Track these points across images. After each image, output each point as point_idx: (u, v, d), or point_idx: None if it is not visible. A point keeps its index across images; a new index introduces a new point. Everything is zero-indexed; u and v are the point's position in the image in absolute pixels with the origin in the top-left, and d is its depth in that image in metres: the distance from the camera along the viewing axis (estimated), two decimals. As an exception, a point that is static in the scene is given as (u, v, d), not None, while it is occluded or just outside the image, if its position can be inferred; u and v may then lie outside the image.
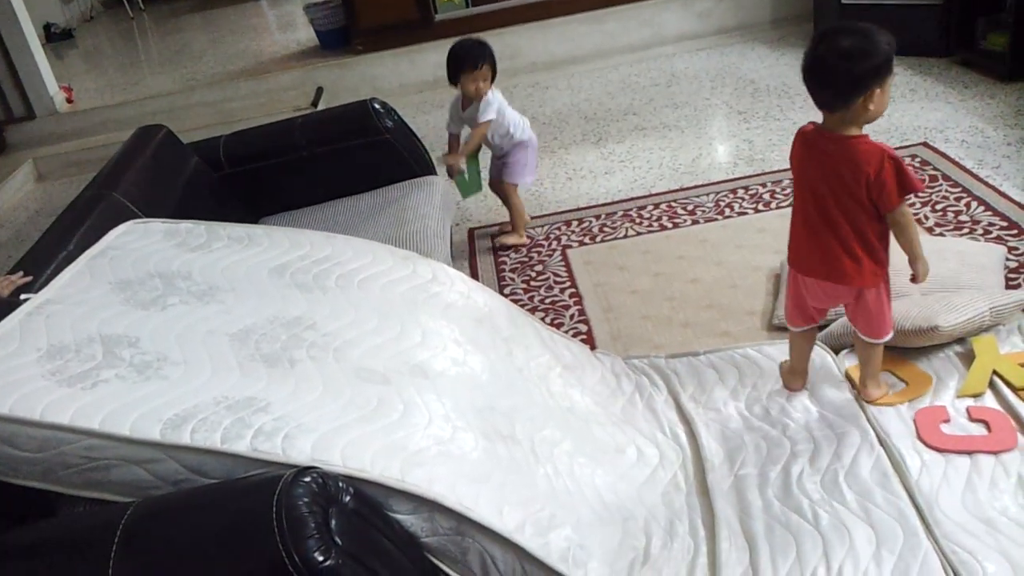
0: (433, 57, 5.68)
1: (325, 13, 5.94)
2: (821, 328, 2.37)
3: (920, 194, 3.26)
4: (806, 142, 2.01)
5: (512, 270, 3.31)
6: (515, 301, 3.03)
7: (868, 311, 2.08)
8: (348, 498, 1.41)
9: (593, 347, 2.73)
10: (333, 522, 1.32)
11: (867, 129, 1.94)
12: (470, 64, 3.16)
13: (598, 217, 3.61)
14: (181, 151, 3.06)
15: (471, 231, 3.68)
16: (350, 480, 1.46)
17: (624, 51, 5.57)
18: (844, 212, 1.96)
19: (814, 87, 1.91)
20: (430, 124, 5.00)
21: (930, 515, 1.87)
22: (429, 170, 3.30)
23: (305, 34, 6.74)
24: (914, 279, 2.05)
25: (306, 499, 1.32)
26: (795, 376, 2.31)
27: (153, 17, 9.51)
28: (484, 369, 2.06)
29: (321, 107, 5.25)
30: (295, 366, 1.77)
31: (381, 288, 2.20)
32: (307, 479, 1.36)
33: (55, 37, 8.57)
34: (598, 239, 3.44)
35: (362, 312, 2.06)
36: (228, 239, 2.30)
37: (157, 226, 2.34)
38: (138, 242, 2.24)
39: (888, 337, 2.14)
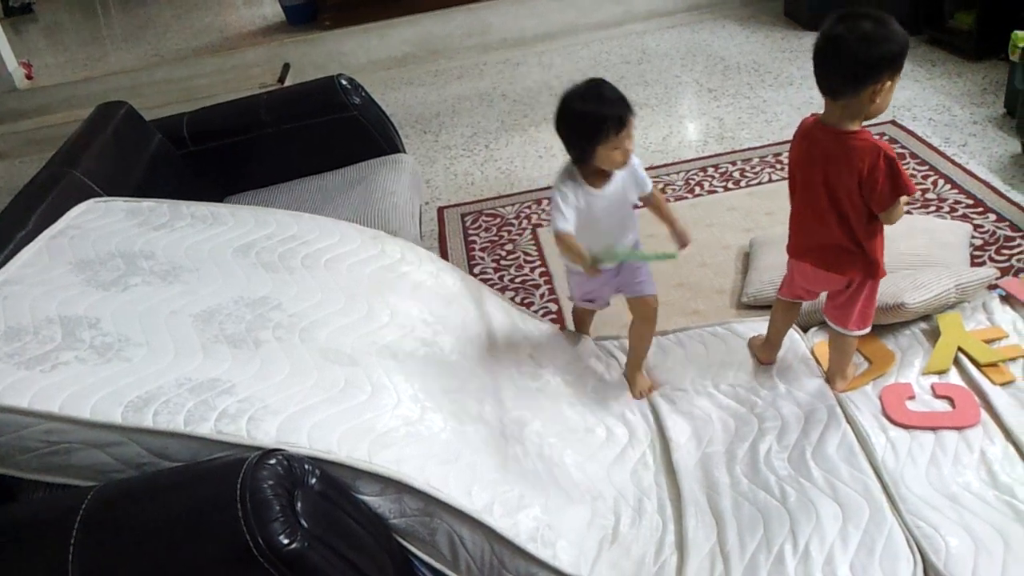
0: (402, 33, 5.63)
1: (292, -12, 5.85)
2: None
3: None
4: (806, 135, 1.97)
5: (482, 249, 3.29)
6: (485, 281, 3.01)
7: (853, 303, 2.08)
8: (314, 480, 1.39)
9: (563, 327, 2.72)
10: (299, 505, 1.31)
11: None
12: (630, 113, 2.01)
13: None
14: (144, 128, 2.99)
15: (440, 210, 3.65)
16: (316, 462, 1.45)
17: (595, 28, 5.54)
18: (840, 205, 1.93)
19: (826, 69, 1.83)
20: (399, 101, 4.96)
21: (895, 491, 1.89)
22: (397, 148, 3.26)
23: (272, 9, 6.64)
24: None
25: (271, 482, 1.30)
26: (767, 348, 2.32)
27: (116, -9, 9.32)
28: (454, 350, 2.05)
29: (288, 84, 5.18)
30: (260, 347, 1.75)
31: (348, 268, 2.18)
32: (272, 461, 1.34)
33: (13, 11, 8.36)
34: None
35: (329, 292, 2.04)
36: (192, 218, 2.26)
37: (119, 204, 2.30)
38: (99, 221, 2.19)
39: (862, 332, 2.14)
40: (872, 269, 2.01)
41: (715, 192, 3.43)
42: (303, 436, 1.50)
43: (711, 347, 2.44)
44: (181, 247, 2.12)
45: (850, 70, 1.78)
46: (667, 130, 4.06)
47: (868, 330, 2.15)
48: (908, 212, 3.01)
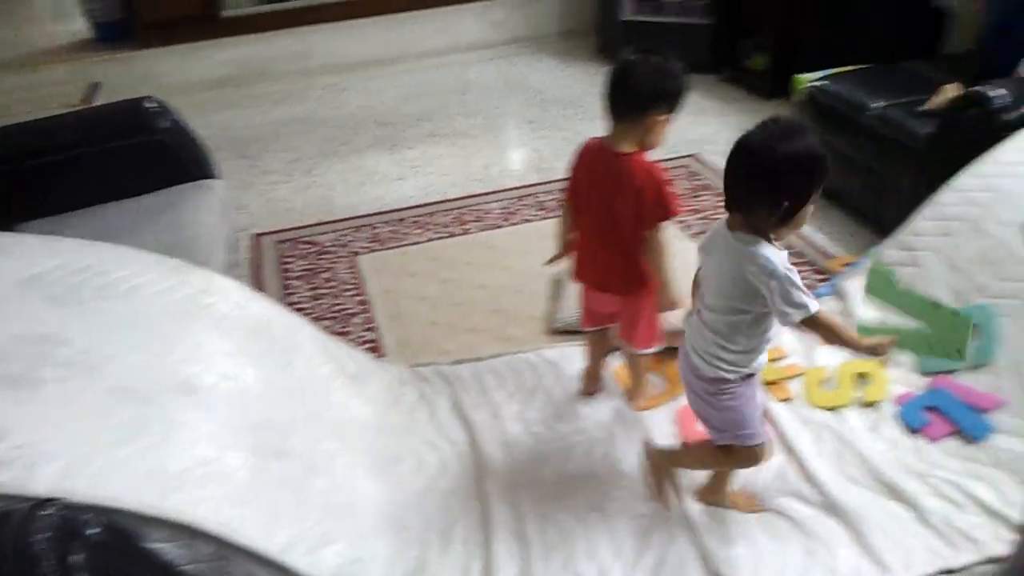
0: (223, 54, 5.47)
1: (102, 3, 5.56)
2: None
3: (683, 213, 3.49)
4: (587, 154, 2.09)
5: (298, 278, 3.24)
6: (300, 310, 2.97)
7: (633, 320, 2.20)
8: (95, 530, 1.32)
9: (380, 355, 2.72)
10: (73, 558, 1.23)
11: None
12: None
13: (389, 223, 3.60)
14: (-78, 149, 2.76)
15: (256, 236, 3.57)
16: (99, 511, 1.37)
17: (421, 56, 5.59)
18: (617, 225, 2.06)
19: (615, 93, 1.97)
20: (217, 124, 4.79)
21: (687, 507, 2.01)
22: (209, 173, 3.16)
23: (81, 25, 6.28)
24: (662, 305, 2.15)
25: (43, 535, 1.22)
26: (586, 379, 2.40)
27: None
28: (258, 381, 2.00)
29: (97, 104, 4.91)
30: (41, 388, 1.64)
31: (146, 300, 2.08)
32: (46, 512, 1.26)
33: None
34: (388, 245, 3.43)
35: (123, 326, 1.94)
36: (-30, 249, 2.10)
37: None
38: None
39: (652, 349, 2.27)
40: (647, 287, 2.13)
41: (531, 220, 3.53)
42: (85, 482, 1.42)
43: (524, 373, 2.50)
44: (-44, 281, 1.96)
45: (634, 97, 1.93)
46: (488, 159, 4.15)
47: (657, 347, 2.27)
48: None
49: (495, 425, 2.31)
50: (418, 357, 2.70)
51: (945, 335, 2.33)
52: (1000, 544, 1.83)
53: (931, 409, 2.20)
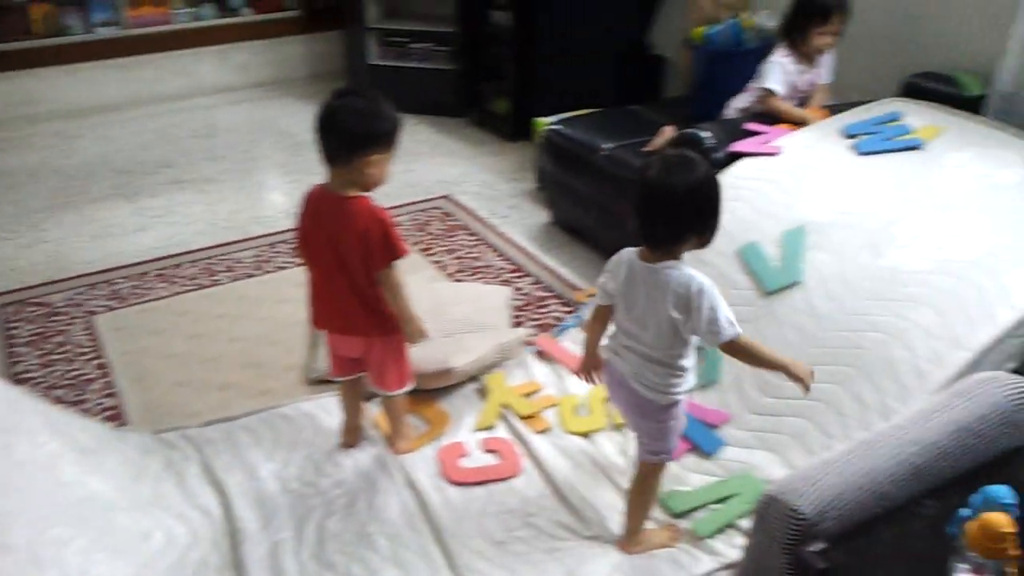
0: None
1: None
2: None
3: (439, 253, 3.56)
4: (312, 202, 2.09)
5: (26, 344, 2.95)
6: (28, 380, 2.71)
7: (381, 363, 2.20)
8: None
9: (122, 423, 2.53)
10: None
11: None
12: None
13: (129, 278, 3.38)
14: None
15: (-26, 302, 3.22)
16: None
17: (161, 100, 5.31)
18: (348, 269, 2.05)
19: (324, 138, 1.97)
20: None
21: (453, 547, 2.03)
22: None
23: None
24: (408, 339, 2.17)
25: None
26: (345, 432, 2.35)
27: None
28: (-30, 470, 1.80)
29: None
30: None
31: None
32: None
33: None
34: (130, 302, 3.21)
35: None
36: None
37: None
38: None
39: (404, 389, 2.28)
40: (387, 326, 2.14)
41: (285, 268, 3.45)
42: None
43: (279, 429, 2.42)
44: None
45: (343, 141, 1.95)
46: (236, 206, 4.01)
47: (409, 387, 2.28)
48: (460, 280, 3.30)
49: (251, 487, 2.21)
50: (165, 422, 2.54)
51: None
52: (734, 551, 2.00)
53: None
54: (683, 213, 1.72)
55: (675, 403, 1.87)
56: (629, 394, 1.88)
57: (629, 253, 1.82)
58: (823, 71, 3.06)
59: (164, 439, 2.38)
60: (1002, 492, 1.33)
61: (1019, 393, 1.71)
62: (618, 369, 1.89)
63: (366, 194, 2.03)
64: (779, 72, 2.97)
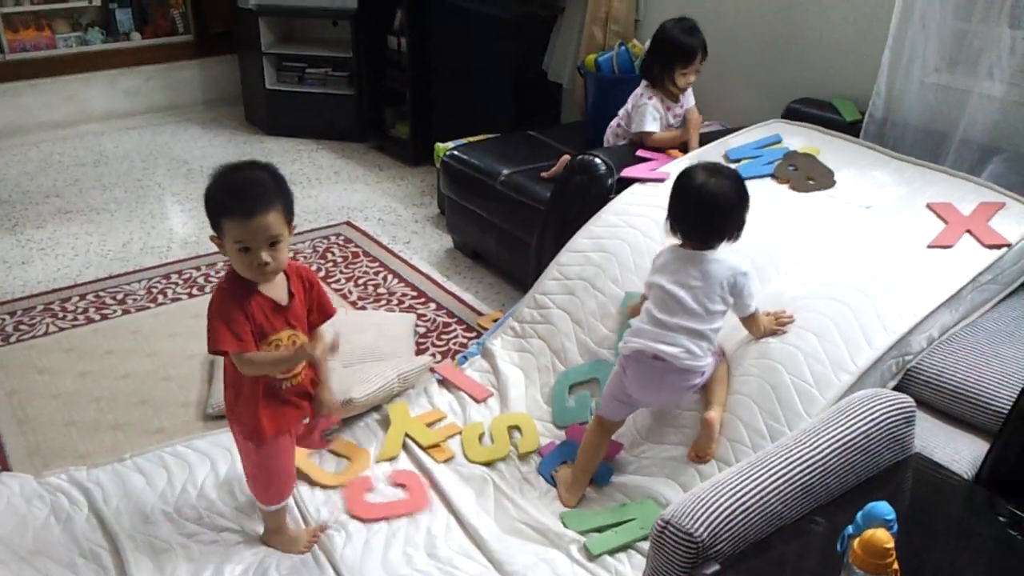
0: None
1: None
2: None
3: (343, 279, 3.51)
4: None
5: (-102, 388, 2.78)
6: (-101, 427, 2.55)
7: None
8: None
9: (4, 468, 2.41)
10: None
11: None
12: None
13: (13, 314, 3.22)
14: None
15: None
16: None
17: (45, 128, 5.10)
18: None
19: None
20: None
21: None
22: None
23: None
24: None
25: None
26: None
27: None
28: None
29: None
30: None
31: None
32: None
33: None
34: (12, 340, 3.06)
35: None
36: None
37: None
38: None
39: (278, 506, 2.09)
40: (237, 427, 2.00)
41: (180, 299, 3.35)
42: None
43: (173, 469, 2.34)
44: None
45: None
46: (128, 236, 3.88)
47: (275, 507, 2.09)
48: (363, 308, 3.26)
49: (144, 531, 2.13)
50: (51, 465, 2.43)
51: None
52: (634, 571, 2.02)
53: (564, 461, 2.36)
54: (733, 214, 2.08)
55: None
56: (677, 377, 2.12)
57: (672, 248, 2.16)
58: (687, 98, 3.10)
59: (50, 483, 2.27)
60: (882, 508, 1.37)
61: (899, 409, 1.79)
62: (664, 352, 2.09)
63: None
64: (650, 114, 3.01)
